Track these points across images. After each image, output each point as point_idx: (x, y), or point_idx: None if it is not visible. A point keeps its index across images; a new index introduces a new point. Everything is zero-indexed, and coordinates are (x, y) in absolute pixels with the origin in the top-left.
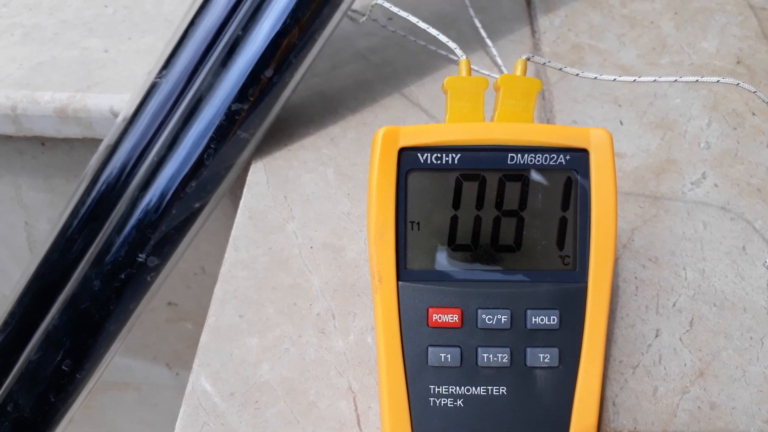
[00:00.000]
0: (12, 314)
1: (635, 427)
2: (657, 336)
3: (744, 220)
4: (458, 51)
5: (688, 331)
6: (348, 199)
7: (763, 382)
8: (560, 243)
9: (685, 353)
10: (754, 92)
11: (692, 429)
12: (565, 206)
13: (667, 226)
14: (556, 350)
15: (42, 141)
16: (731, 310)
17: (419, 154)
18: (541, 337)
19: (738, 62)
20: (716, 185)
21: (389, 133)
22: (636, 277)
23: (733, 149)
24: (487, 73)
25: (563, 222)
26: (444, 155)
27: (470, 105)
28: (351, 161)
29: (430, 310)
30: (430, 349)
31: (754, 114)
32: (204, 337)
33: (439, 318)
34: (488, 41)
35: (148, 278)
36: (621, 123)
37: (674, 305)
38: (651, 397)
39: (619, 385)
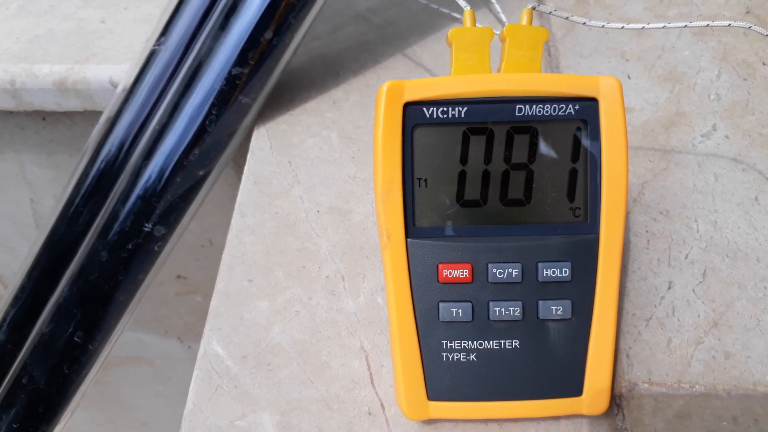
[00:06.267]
0: (22, 288)
1: (650, 379)
2: (670, 288)
3: (756, 171)
4: (462, 2)
5: (701, 282)
6: (353, 163)
7: None
8: (570, 195)
9: (698, 304)
10: (767, 35)
11: (707, 378)
12: (575, 157)
13: (678, 179)
14: (568, 302)
15: (43, 116)
16: (744, 261)
17: (425, 109)
18: (553, 289)
19: (747, 12)
20: (727, 137)
21: (393, 88)
22: (647, 231)
23: (744, 100)
24: None
25: (573, 173)
26: (450, 109)
27: (476, 56)
28: (355, 124)
29: (440, 265)
30: (441, 304)
31: (764, 64)
32: (214, 302)
33: (450, 273)
34: None
35: (156, 248)
36: (629, 77)
37: (686, 257)
38: (665, 348)
39: (633, 338)
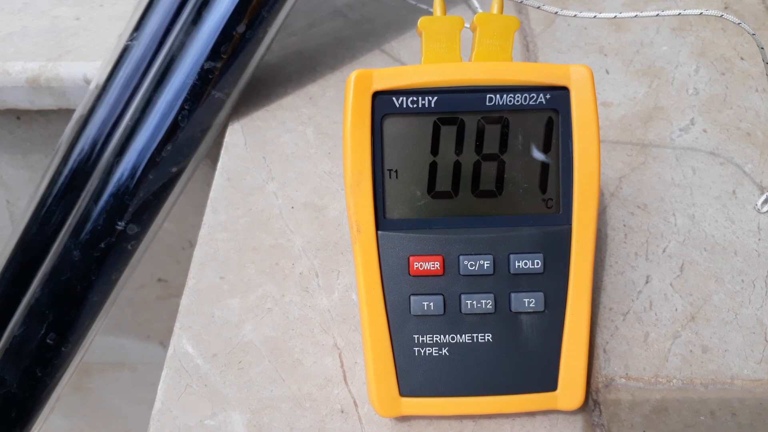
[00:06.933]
0: None
1: (627, 373)
2: (647, 282)
3: (734, 165)
4: None
5: (678, 276)
6: (329, 158)
7: (755, 324)
8: (542, 186)
9: (675, 298)
10: (738, 23)
11: (684, 373)
12: (546, 148)
13: (656, 173)
14: (541, 294)
15: (17, 115)
16: (722, 254)
17: (394, 98)
18: (526, 281)
19: (726, 7)
20: (705, 131)
21: (362, 77)
22: (624, 225)
23: (722, 94)
24: None
25: (545, 164)
26: (420, 98)
27: (446, 46)
28: (331, 120)
29: (411, 258)
30: (412, 298)
31: (742, 59)
32: (184, 300)
33: (421, 266)
34: None
35: (129, 247)
36: (607, 72)
37: (664, 251)
38: (642, 342)
39: (610, 332)
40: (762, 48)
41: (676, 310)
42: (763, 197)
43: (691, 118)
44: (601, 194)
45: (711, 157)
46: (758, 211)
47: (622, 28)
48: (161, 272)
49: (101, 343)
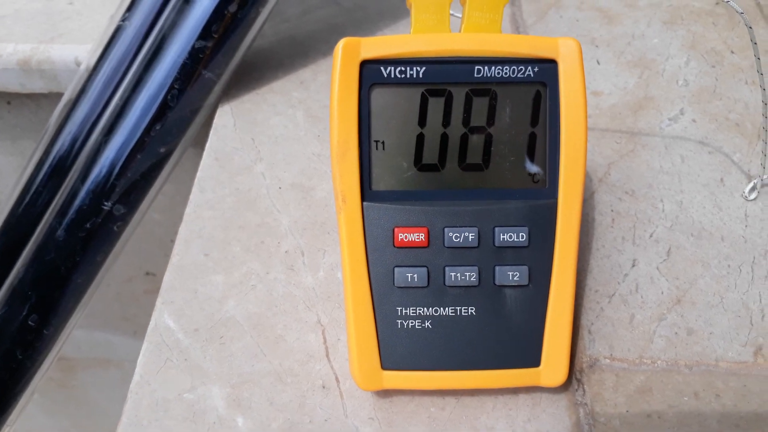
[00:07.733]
0: None
1: (611, 354)
2: (633, 266)
3: (722, 154)
4: None
5: (665, 260)
6: (318, 141)
7: (741, 307)
8: (529, 160)
9: (662, 281)
10: (741, 13)
11: (669, 354)
12: (534, 121)
13: (645, 161)
14: (525, 268)
15: (7, 99)
16: (709, 240)
17: (382, 68)
18: (510, 254)
19: (717, 3)
20: (694, 120)
21: (350, 45)
22: (612, 210)
23: (712, 86)
24: None
25: (532, 138)
26: (408, 68)
27: (436, 17)
28: (321, 103)
29: (396, 229)
30: (396, 269)
31: (732, 52)
32: (167, 276)
33: (405, 237)
34: None
35: (115, 228)
36: (598, 62)
37: (651, 236)
38: (627, 324)
39: (595, 314)
40: (755, 43)
41: (662, 293)
42: (751, 185)
43: (681, 108)
44: (590, 180)
45: (700, 146)
46: (745, 198)
47: (614, 20)
48: (149, 265)
49: (87, 338)
